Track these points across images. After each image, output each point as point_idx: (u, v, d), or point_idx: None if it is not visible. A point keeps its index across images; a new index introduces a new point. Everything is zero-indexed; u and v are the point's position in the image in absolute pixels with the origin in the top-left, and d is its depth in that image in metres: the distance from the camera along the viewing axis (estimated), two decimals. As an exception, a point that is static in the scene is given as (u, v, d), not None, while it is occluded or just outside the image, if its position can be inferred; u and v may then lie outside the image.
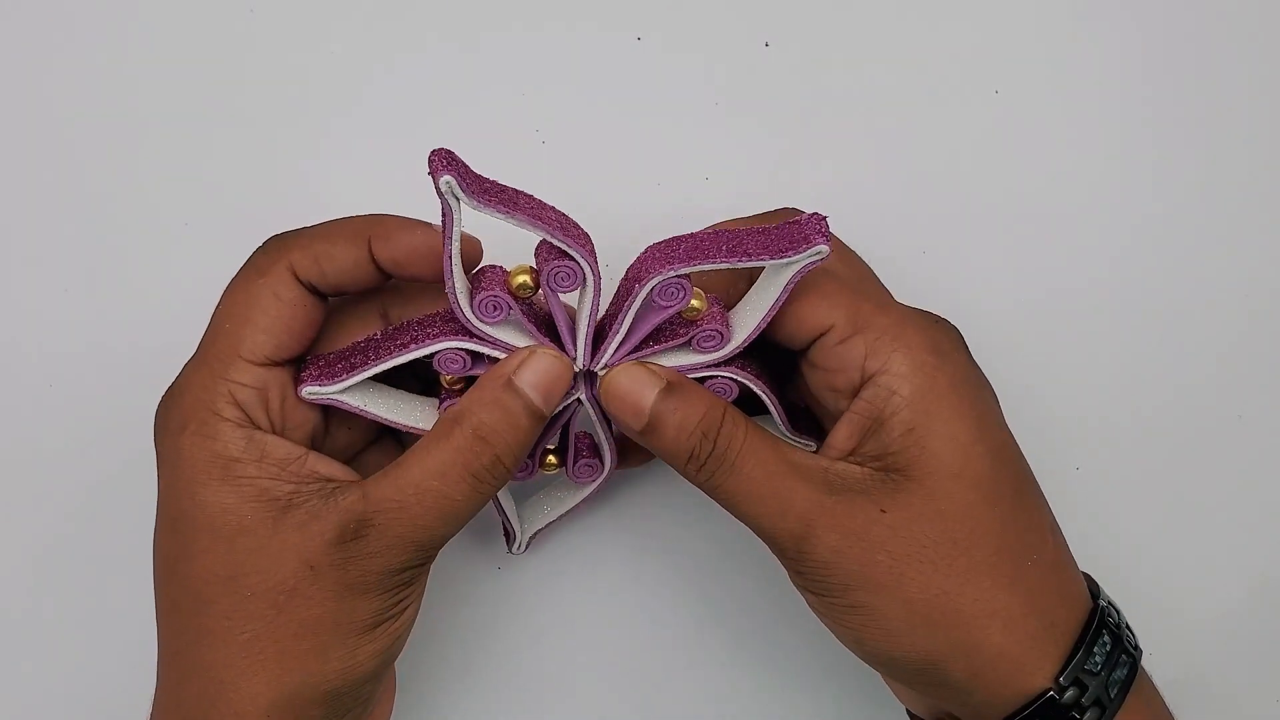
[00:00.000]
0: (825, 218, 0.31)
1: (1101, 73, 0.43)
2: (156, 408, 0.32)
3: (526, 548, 0.40)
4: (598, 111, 0.43)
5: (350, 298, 0.35)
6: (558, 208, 0.32)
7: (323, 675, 0.31)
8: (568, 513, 0.40)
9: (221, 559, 0.30)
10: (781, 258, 0.30)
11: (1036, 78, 0.43)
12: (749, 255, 0.31)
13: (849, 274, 0.36)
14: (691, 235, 0.32)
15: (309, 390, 0.33)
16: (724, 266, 0.31)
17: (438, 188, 0.29)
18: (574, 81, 0.43)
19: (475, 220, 0.31)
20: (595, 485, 0.39)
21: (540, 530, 0.40)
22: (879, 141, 0.43)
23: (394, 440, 0.38)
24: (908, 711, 0.37)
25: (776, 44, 0.43)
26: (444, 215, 0.30)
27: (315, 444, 0.34)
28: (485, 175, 0.30)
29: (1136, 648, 0.33)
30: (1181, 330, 0.43)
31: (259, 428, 0.32)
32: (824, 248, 0.30)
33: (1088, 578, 0.35)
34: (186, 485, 0.31)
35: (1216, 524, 0.42)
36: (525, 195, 0.31)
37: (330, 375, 0.33)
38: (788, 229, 0.31)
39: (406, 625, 0.33)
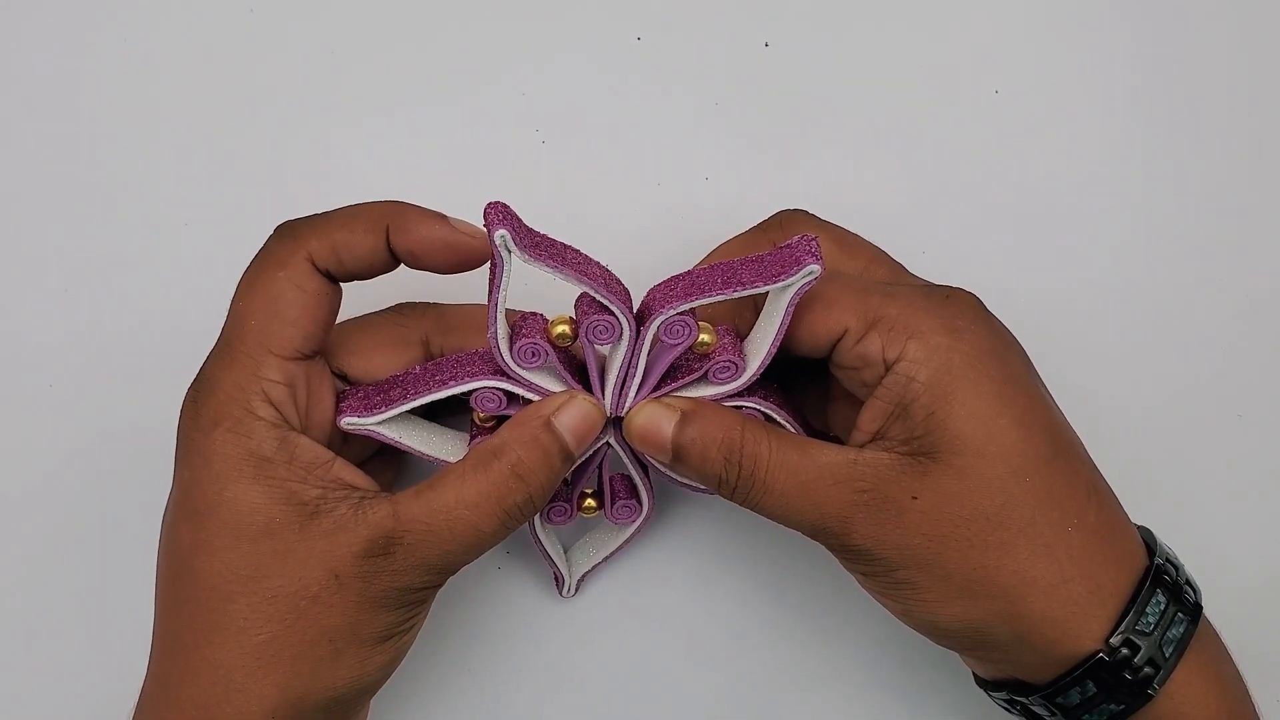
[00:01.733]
0: (815, 238, 0.32)
1: (1101, 73, 0.43)
2: (183, 402, 0.32)
3: (576, 590, 0.41)
4: (598, 111, 0.43)
5: (393, 322, 0.35)
6: (602, 262, 0.33)
7: (331, 683, 0.31)
8: (613, 554, 0.41)
9: (245, 558, 0.30)
10: (776, 283, 0.31)
11: (1036, 78, 0.43)
12: (744, 285, 0.31)
13: (854, 266, 0.36)
14: (688, 272, 0.33)
15: (348, 421, 0.34)
16: (721, 299, 0.32)
17: (492, 241, 0.30)
18: (574, 81, 0.43)
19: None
20: (636, 526, 0.40)
21: (587, 572, 0.41)
22: (879, 141, 0.43)
23: (395, 451, 0.38)
24: (974, 675, 0.37)
25: (776, 44, 0.43)
26: (494, 266, 0.31)
27: (335, 446, 0.34)
28: (536, 230, 0.31)
29: (1196, 605, 0.33)
30: (1181, 329, 0.43)
31: (290, 425, 0.32)
32: (815, 268, 0.31)
33: (1146, 532, 0.35)
34: (215, 480, 0.31)
35: (1216, 524, 0.42)
36: (572, 250, 0.32)
37: (368, 408, 0.34)
38: (779, 254, 0.32)
39: (412, 640, 0.34)
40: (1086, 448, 0.34)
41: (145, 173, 0.42)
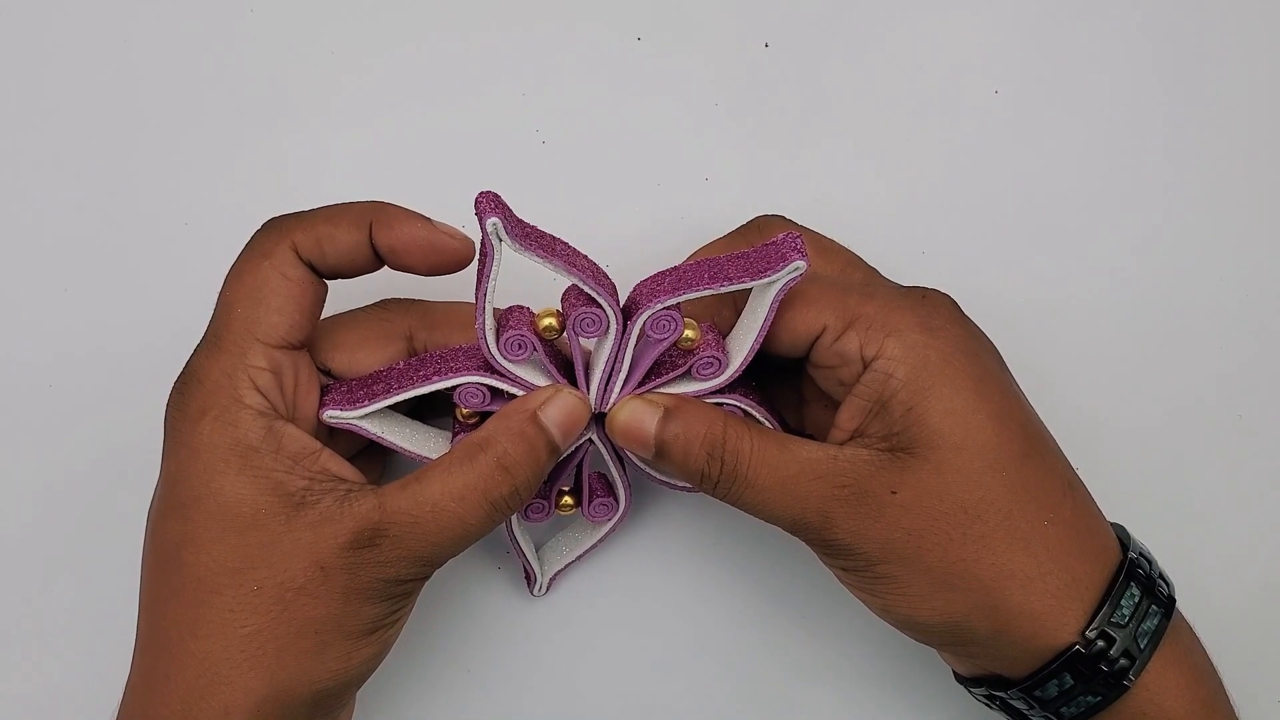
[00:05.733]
0: (800, 235, 0.32)
1: (1101, 73, 0.43)
2: (170, 394, 0.32)
3: (547, 589, 0.41)
4: (598, 111, 0.43)
5: (377, 318, 0.35)
6: (589, 256, 0.33)
7: (317, 675, 0.31)
8: (585, 552, 0.40)
9: (232, 549, 0.30)
10: (762, 278, 0.31)
11: (1036, 78, 0.43)
12: (730, 279, 0.32)
13: (830, 270, 0.37)
14: (675, 268, 0.33)
15: (330, 414, 0.34)
16: (708, 293, 0.32)
17: (483, 229, 0.30)
18: (574, 81, 0.43)
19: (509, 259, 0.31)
20: (612, 524, 0.40)
21: (560, 571, 0.41)
22: (879, 142, 0.43)
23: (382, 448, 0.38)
24: (954, 673, 0.37)
25: (776, 44, 0.43)
26: (484, 255, 0.31)
27: (322, 440, 0.34)
28: (526, 220, 0.31)
29: (1170, 598, 0.34)
30: (1181, 330, 0.43)
31: (277, 413, 0.32)
32: (801, 264, 0.31)
33: (1120, 528, 0.35)
34: (202, 472, 0.31)
35: (1216, 524, 0.42)
36: (562, 242, 0.32)
37: (351, 401, 0.34)
38: (765, 250, 0.32)
39: (398, 633, 0.34)
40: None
41: (145, 173, 0.42)
